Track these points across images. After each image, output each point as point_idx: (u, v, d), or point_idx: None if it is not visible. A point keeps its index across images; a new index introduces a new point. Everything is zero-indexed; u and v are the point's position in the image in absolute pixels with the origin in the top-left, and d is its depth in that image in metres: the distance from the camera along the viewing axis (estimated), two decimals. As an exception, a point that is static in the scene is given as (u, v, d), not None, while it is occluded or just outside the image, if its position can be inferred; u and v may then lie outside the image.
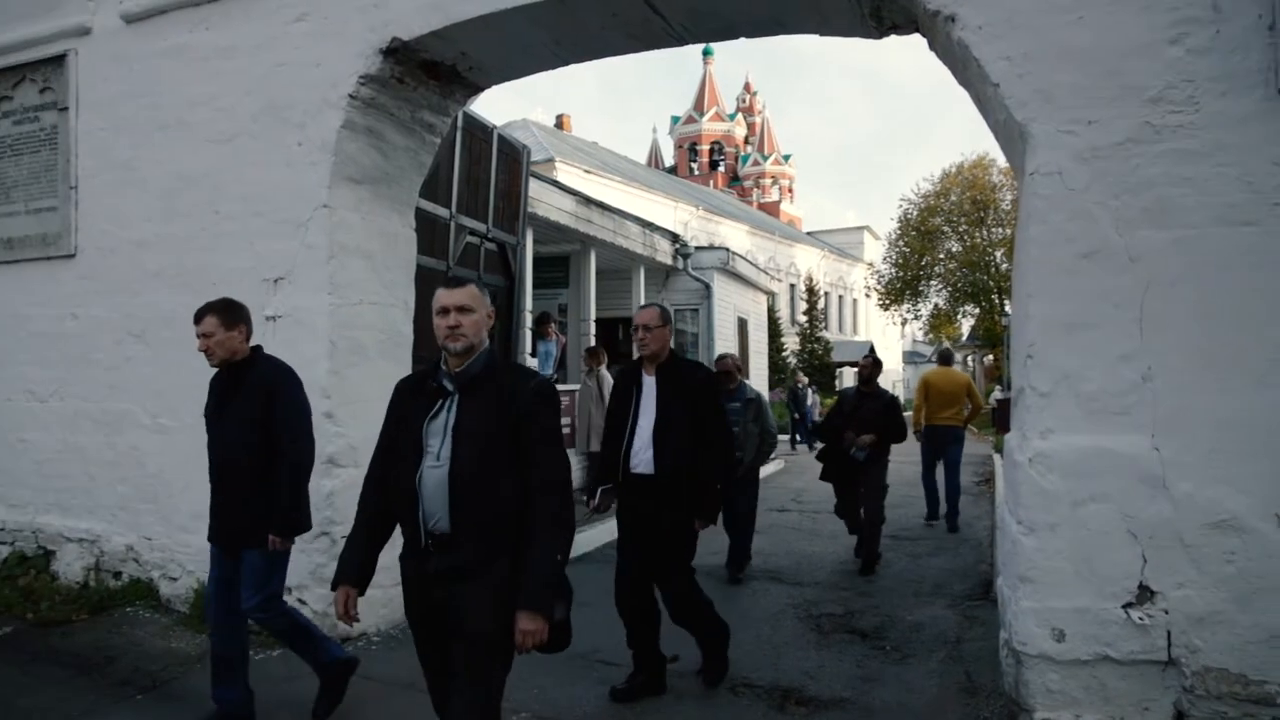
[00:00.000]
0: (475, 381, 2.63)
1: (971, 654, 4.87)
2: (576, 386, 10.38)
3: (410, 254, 5.66)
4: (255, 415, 3.73)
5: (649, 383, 4.20)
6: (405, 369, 5.58)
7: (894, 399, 7.50)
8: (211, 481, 3.84)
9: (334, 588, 2.75)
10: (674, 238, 13.94)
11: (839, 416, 7.35)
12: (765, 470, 14.99)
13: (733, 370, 6.88)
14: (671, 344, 4.29)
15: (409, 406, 2.71)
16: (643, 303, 12.87)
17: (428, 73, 5.08)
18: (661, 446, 4.10)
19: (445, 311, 2.63)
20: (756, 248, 36.57)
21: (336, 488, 4.96)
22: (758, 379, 16.99)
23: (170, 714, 4.04)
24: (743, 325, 15.55)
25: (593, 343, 11.30)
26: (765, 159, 54.52)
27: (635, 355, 4.35)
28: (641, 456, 4.16)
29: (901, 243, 36.62)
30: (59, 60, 5.96)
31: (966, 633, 5.31)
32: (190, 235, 5.41)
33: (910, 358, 53.46)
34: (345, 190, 5.08)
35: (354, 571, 2.76)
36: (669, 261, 13.46)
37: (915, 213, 36.00)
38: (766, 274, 18.51)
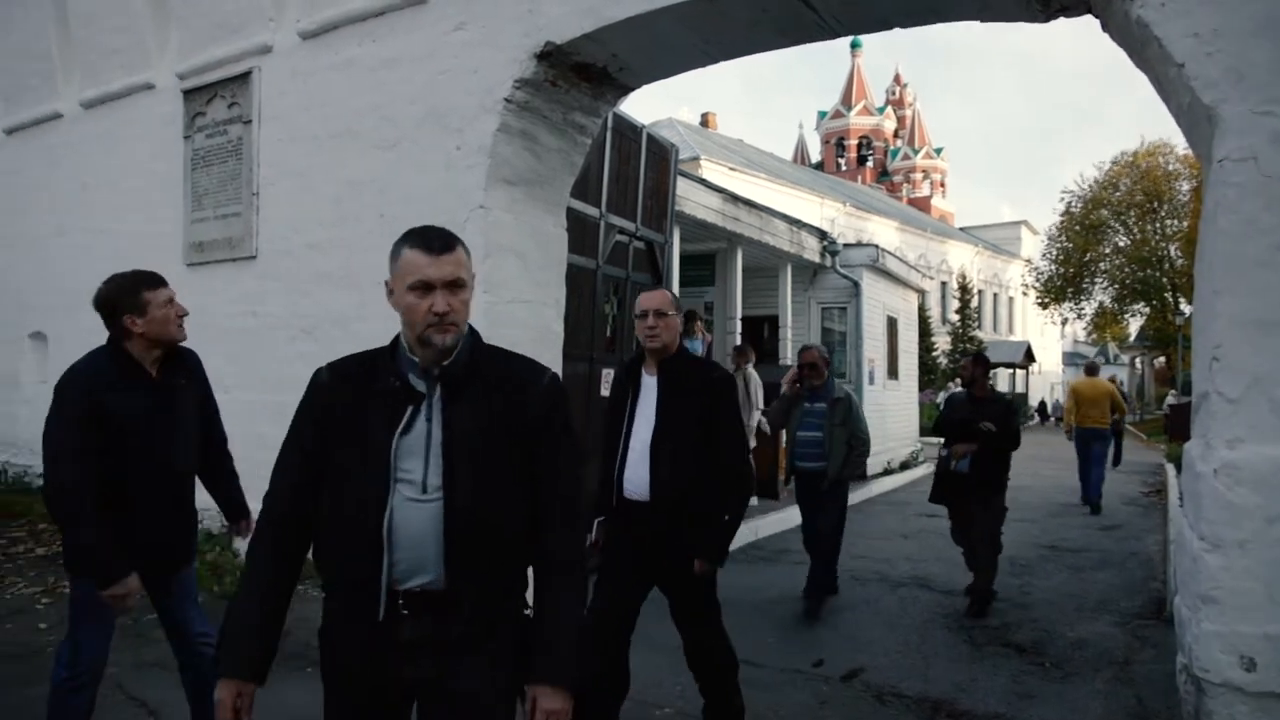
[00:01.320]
0: (464, 379, 1.91)
1: (1142, 677, 4.56)
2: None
3: (561, 253, 5.79)
4: (199, 409, 3.34)
5: (649, 383, 3.45)
6: (556, 367, 5.72)
7: (1010, 403, 6.55)
8: (146, 498, 2.95)
9: (219, 677, 1.80)
10: (821, 235, 13.68)
11: (950, 426, 6.23)
12: (914, 474, 14.60)
13: (818, 364, 5.96)
14: (681, 335, 3.55)
15: (354, 411, 1.87)
16: (788, 302, 12.73)
17: (579, 75, 5.18)
18: (658, 464, 3.31)
19: (429, 287, 1.86)
20: (906, 244, 35.46)
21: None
22: (907, 379, 16.44)
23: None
24: (892, 324, 15.09)
25: (739, 341, 11.24)
26: (915, 153, 52.77)
27: (636, 347, 3.66)
28: (635, 476, 3.36)
29: (1063, 238, 34.68)
30: (244, 77, 6.43)
31: (1136, 654, 4.98)
32: (357, 237, 5.72)
33: (1071, 359, 50.57)
34: (500, 191, 5.24)
35: (252, 657, 1.82)
36: (816, 259, 13.22)
37: (1079, 205, 34.01)
38: (917, 271, 17.89)
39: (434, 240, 1.93)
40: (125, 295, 2.99)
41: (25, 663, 4.20)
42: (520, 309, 5.39)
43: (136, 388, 2.97)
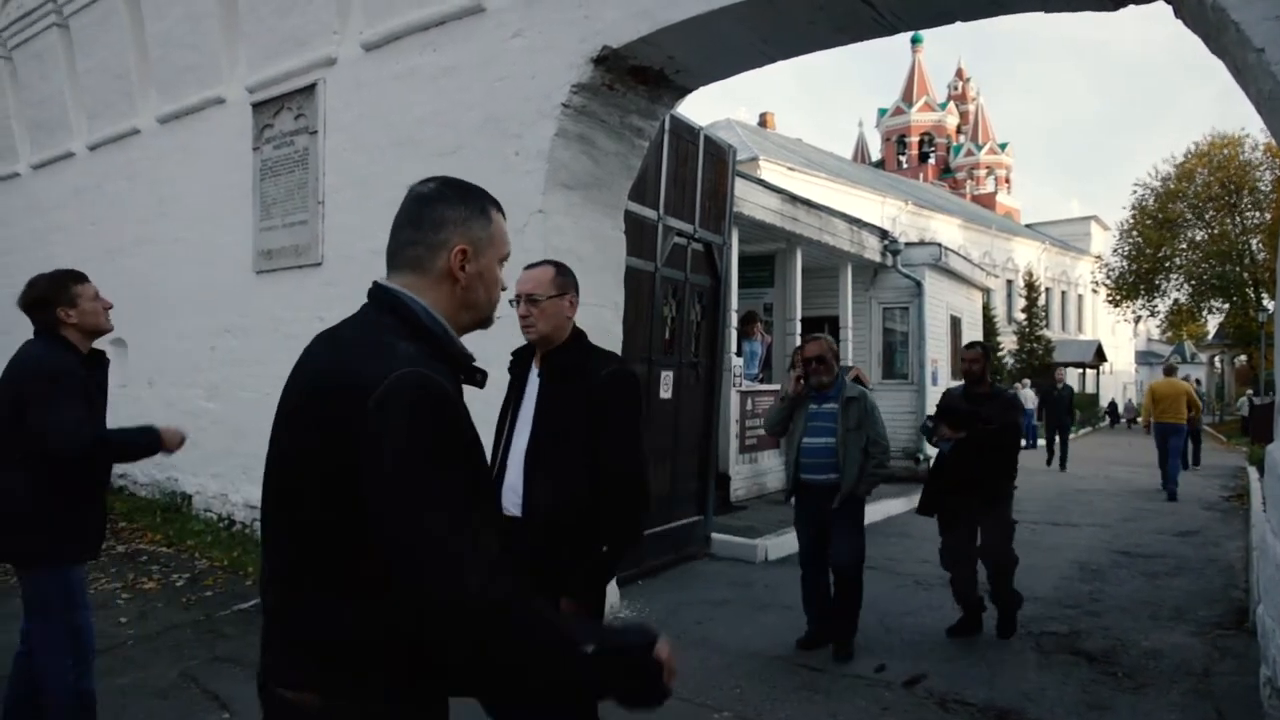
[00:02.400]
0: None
1: (1222, 689, 4.39)
2: (774, 386, 10.29)
3: (620, 256, 5.81)
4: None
5: (534, 382, 2.84)
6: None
7: (1012, 398, 5.67)
8: (97, 491, 3.26)
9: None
10: (882, 234, 13.49)
11: (943, 413, 5.53)
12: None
13: (826, 357, 4.96)
14: (574, 323, 2.93)
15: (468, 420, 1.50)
16: (849, 302, 12.57)
17: (636, 78, 5.20)
18: (531, 477, 2.70)
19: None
20: (970, 242, 34.76)
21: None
22: (971, 380, 16.09)
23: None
24: (955, 324, 14.81)
25: (799, 342, 11.14)
26: (979, 149, 51.68)
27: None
28: (511, 490, 2.74)
29: (1135, 233, 33.62)
30: (310, 89, 6.60)
31: (1216, 665, 4.80)
32: (420, 243, 5.81)
33: (1144, 358, 49.04)
34: (558, 196, 5.28)
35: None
36: (877, 258, 13.05)
37: (1152, 199, 32.93)
38: (981, 269, 17.52)
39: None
40: (57, 290, 3.22)
41: (110, 656, 4.36)
42: (580, 312, 5.41)
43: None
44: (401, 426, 1.31)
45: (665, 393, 6.91)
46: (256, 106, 7.06)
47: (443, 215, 1.55)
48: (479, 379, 1.63)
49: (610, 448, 2.67)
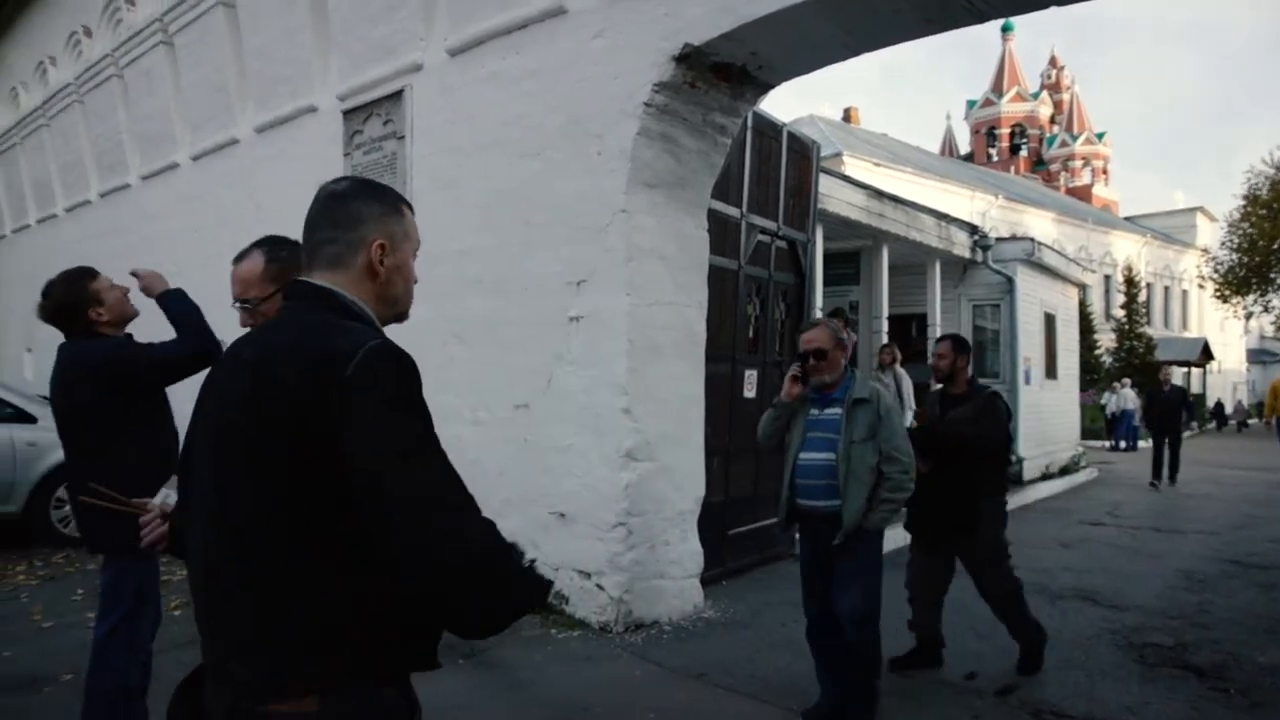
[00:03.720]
0: None
1: (1347, 708, 4.12)
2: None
3: (703, 254, 5.79)
4: None
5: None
6: (698, 368, 5.72)
7: (990, 400, 4.63)
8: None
9: None
10: (972, 229, 13.11)
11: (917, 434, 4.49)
12: (1075, 479, 13.75)
13: (828, 349, 3.87)
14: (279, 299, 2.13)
15: None
16: (937, 299, 12.28)
17: (718, 75, 5.16)
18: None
19: None
20: (1065, 236, 33.54)
21: (633, 480, 5.18)
22: (1067, 379, 15.51)
23: (488, 680, 4.41)
24: (1050, 321, 14.29)
25: (885, 340, 10.93)
26: (1074, 139, 49.82)
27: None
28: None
29: (1246, 224, 31.85)
30: (397, 95, 6.75)
31: (1340, 682, 4.51)
32: (504, 244, 5.90)
33: (1256, 356, 46.51)
34: (641, 195, 5.29)
35: None
36: (967, 254, 12.67)
37: (1267, 187, 31.17)
38: (1077, 265, 16.87)
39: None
40: (78, 293, 3.24)
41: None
42: (663, 311, 5.43)
43: None
44: (386, 386, 1.34)
45: (749, 392, 6.86)
46: (347, 114, 7.26)
47: (359, 211, 1.57)
48: None
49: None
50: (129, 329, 3.43)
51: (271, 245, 2.29)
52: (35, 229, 13.94)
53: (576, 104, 5.47)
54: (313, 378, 1.33)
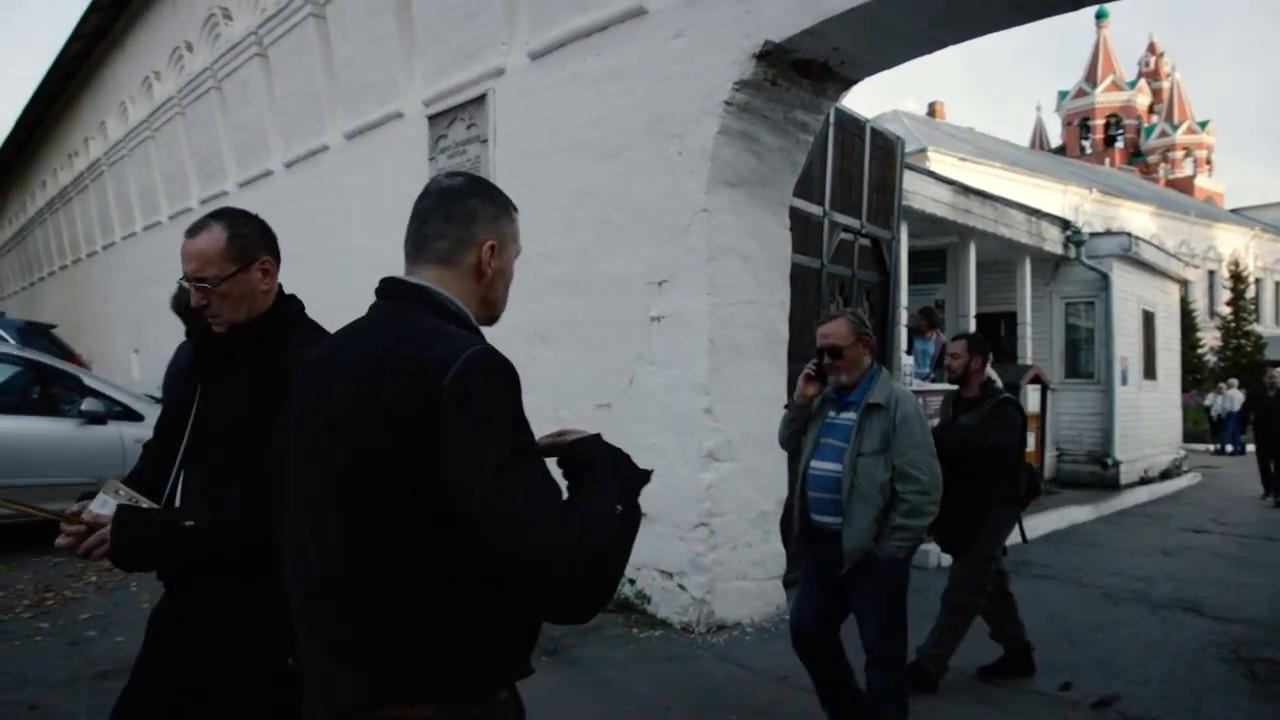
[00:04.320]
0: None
1: None
2: (946, 386, 9.84)
3: (785, 253, 5.73)
4: None
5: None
6: (781, 368, 5.67)
7: (1003, 404, 4.35)
8: None
9: None
10: (1064, 224, 12.67)
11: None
12: (1176, 484, 13.14)
13: (844, 347, 3.45)
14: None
15: None
16: (1027, 297, 11.91)
17: (800, 72, 5.10)
18: (188, 495, 2.10)
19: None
20: (1164, 230, 32.14)
21: (715, 480, 5.16)
22: (1167, 380, 14.85)
23: (570, 677, 4.44)
24: (1148, 319, 13.71)
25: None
26: (1175, 129, 47.69)
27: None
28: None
29: (1366, 214, 30.06)
30: (480, 100, 6.87)
31: None
32: (585, 245, 5.94)
33: (1379, 355, 43.78)
34: (722, 194, 5.26)
35: None
36: (1058, 250, 12.26)
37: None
38: (1178, 260, 16.15)
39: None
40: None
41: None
42: (745, 310, 5.39)
43: None
44: (483, 398, 1.31)
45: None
46: (432, 119, 7.42)
47: (475, 209, 1.56)
48: None
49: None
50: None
51: (233, 219, 2.07)
52: (141, 236, 14.66)
53: (657, 104, 5.48)
54: (411, 388, 1.31)
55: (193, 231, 2.03)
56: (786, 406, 3.75)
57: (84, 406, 6.86)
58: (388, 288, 1.55)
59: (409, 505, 1.32)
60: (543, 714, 3.76)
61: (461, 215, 1.54)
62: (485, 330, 1.65)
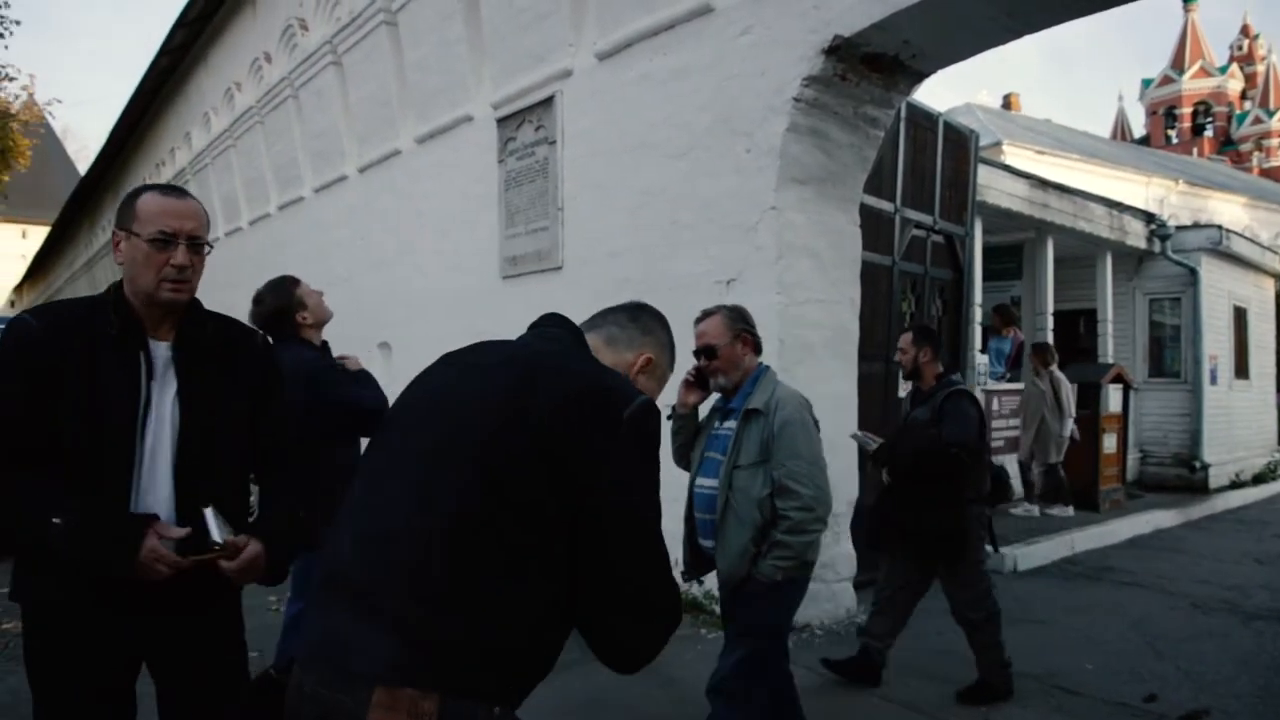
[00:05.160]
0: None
1: None
2: (1021, 386, 9.59)
3: (855, 251, 5.65)
4: None
5: (163, 361, 1.97)
6: (852, 366, 5.58)
7: (952, 397, 4.06)
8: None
9: None
10: (1148, 218, 12.21)
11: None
12: (1271, 488, 12.52)
13: (719, 347, 3.09)
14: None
15: None
16: (1108, 293, 11.52)
17: (870, 66, 5.02)
18: (194, 499, 1.93)
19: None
20: (1258, 223, 30.73)
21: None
22: (1261, 379, 14.18)
23: (638, 675, 4.43)
24: (1240, 315, 13.12)
25: (1049, 338, 10.34)
26: (1270, 115, 45.50)
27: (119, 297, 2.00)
28: (158, 502, 1.93)
29: None
30: (548, 101, 6.92)
31: None
32: (653, 244, 5.94)
33: None
34: (791, 191, 5.21)
35: None
36: (1142, 245, 11.82)
37: None
38: (1274, 253, 15.42)
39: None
40: (287, 298, 3.48)
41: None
42: (815, 309, 5.33)
43: None
44: (649, 439, 1.46)
45: (905, 391, 6.64)
46: (500, 121, 7.50)
47: (653, 328, 1.80)
48: None
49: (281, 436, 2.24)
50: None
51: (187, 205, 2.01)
52: (224, 241, 15.17)
53: (724, 102, 5.45)
54: (583, 407, 1.41)
55: (183, 193, 2.03)
56: (674, 415, 3.22)
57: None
58: (559, 320, 1.71)
59: (528, 506, 1.35)
60: (609, 711, 3.79)
61: (643, 325, 1.78)
62: None
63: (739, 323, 3.14)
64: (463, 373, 1.56)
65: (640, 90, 6.07)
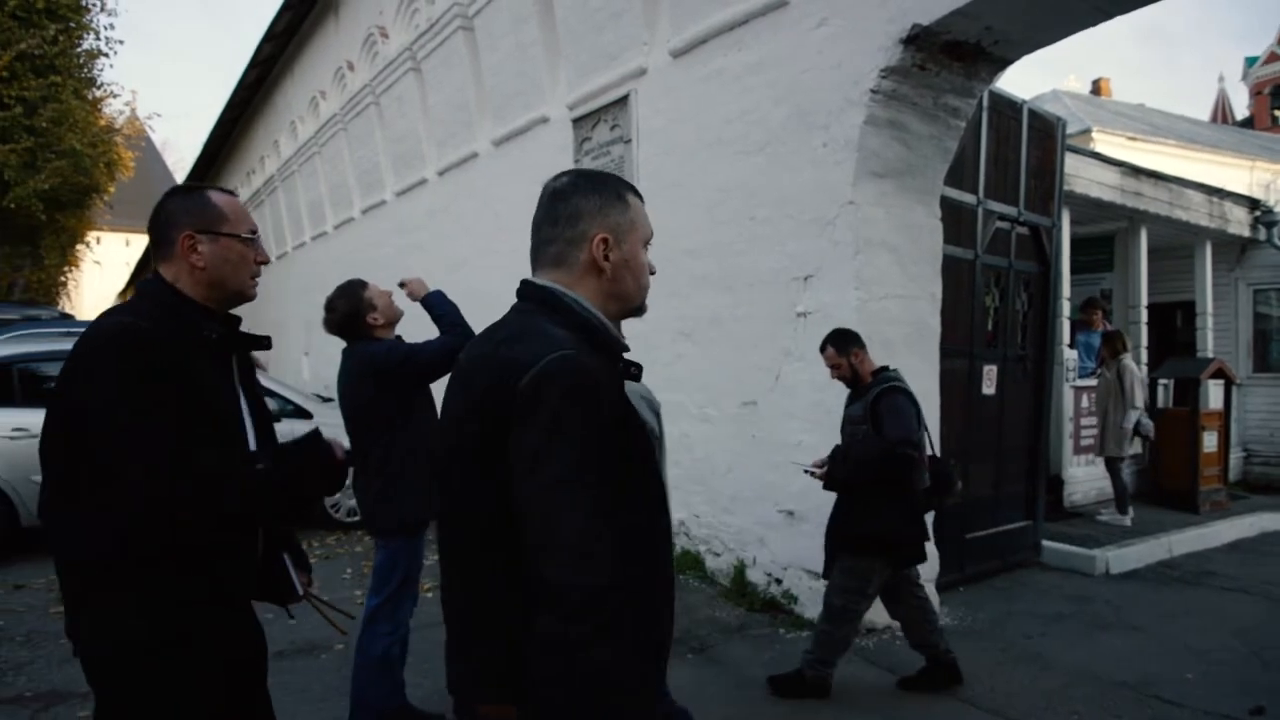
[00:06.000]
0: None
1: None
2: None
3: (936, 245, 5.51)
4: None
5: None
6: (933, 364, 5.46)
7: (885, 393, 4.03)
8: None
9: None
10: (1252, 204, 11.61)
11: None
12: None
13: None
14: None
15: None
16: (1208, 284, 11.01)
17: (950, 55, 4.88)
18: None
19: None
20: (1372, 207, 29.05)
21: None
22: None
23: (714, 675, 4.43)
24: (1353, 306, 12.43)
25: (1143, 332, 9.92)
26: (1383, 93, 42.91)
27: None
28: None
29: None
30: (623, 100, 6.94)
31: None
32: (729, 241, 5.90)
33: None
34: (869, 185, 5.11)
35: None
36: (1245, 232, 11.25)
37: None
38: (1390, 239, 14.52)
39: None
40: (355, 303, 3.52)
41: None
42: (894, 304, 5.22)
43: None
44: (552, 406, 1.27)
45: (988, 388, 6.46)
46: (575, 121, 7.55)
47: (578, 207, 1.52)
48: (634, 372, 1.56)
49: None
50: (398, 330, 3.75)
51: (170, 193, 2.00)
52: (310, 245, 15.66)
53: (800, 95, 5.38)
54: (495, 388, 1.33)
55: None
56: None
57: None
58: (521, 290, 1.57)
59: (492, 504, 1.32)
60: (691, 708, 3.77)
61: (566, 216, 1.53)
62: (630, 326, 1.64)
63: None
64: (451, 394, 1.56)
65: (714, 86, 6.03)
